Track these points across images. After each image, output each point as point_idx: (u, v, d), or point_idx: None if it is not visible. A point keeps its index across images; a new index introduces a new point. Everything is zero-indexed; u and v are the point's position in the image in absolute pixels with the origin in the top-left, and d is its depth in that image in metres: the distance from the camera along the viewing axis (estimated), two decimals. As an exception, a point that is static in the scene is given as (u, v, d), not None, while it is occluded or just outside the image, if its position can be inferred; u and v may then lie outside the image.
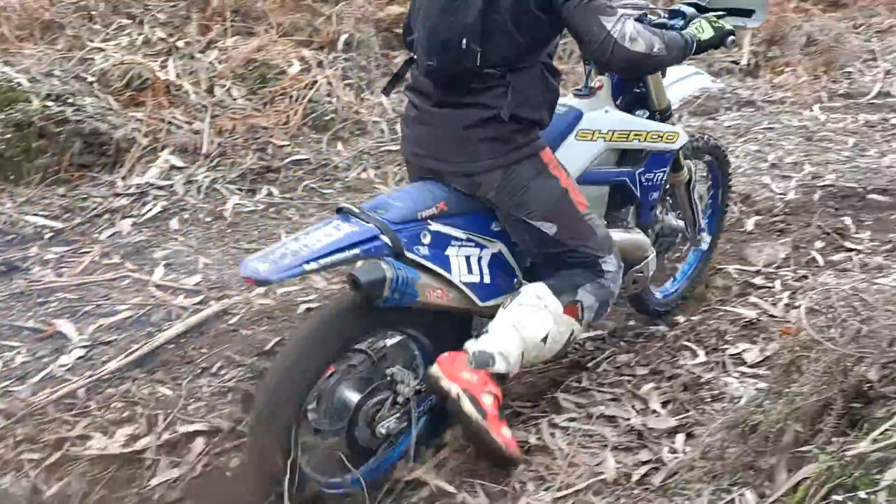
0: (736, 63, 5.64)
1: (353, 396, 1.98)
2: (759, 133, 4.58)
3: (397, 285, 1.86)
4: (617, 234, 2.36)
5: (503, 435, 1.98)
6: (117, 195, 3.73)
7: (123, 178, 3.82)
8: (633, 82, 2.47)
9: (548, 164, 2.10)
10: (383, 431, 2.01)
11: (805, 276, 2.95)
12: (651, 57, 1.97)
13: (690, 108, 4.89)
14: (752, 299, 2.80)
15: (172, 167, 3.92)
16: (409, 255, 1.93)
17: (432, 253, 1.99)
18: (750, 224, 3.45)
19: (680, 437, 2.06)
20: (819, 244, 3.20)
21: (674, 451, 2.02)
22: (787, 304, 2.73)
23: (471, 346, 2.01)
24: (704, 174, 3.05)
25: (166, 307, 2.97)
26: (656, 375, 2.41)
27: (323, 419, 1.99)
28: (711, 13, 2.37)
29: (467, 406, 1.92)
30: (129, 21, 4.67)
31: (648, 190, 2.50)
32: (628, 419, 2.20)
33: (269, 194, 3.91)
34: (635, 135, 2.39)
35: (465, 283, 2.05)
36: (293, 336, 2.03)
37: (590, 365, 2.61)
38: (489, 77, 1.98)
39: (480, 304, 2.10)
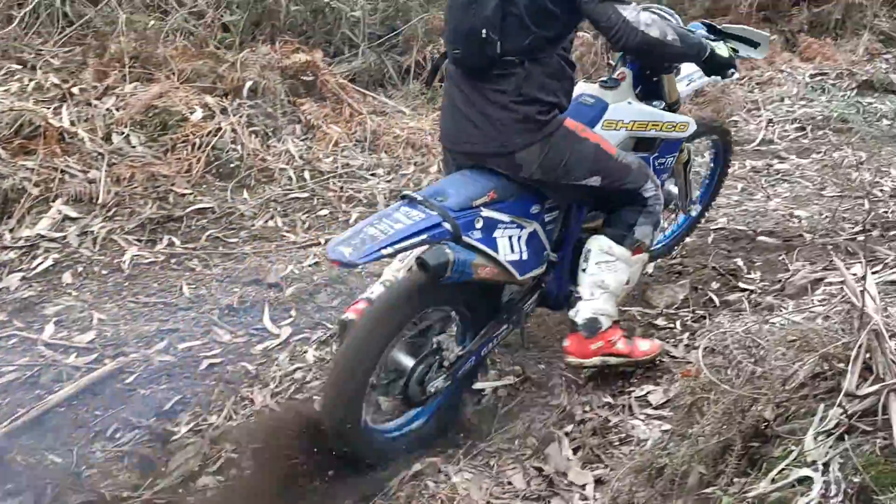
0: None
1: (408, 361, 2.29)
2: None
3: (457, 266, 2.18)
4: None
5: (645, 351, 2.58)
6: (5, 248, 3.52)
7: (11, 231, 3.61)
8: (651, 75, 2.73)
9: (575, 130, 2.37)
10: (432, 390, 2.32)
11: (703, 317, 3.07)
12: (665, 44, 2.25)
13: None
14: (655, 341, 2.88)
15: (66, 218, 3.74)
16: (465, 238, 2.23)
17: (484, 236, 2.30)
18: (650, 267, 3.57)
19: (590, 484, 2.08)
20: (715, 285, 3.33)
21: (584, 497, 2.03)
22: (687, 345, 2.82)
23: (575, 317, 2.47)
24: (713, 151, 3.43)
25: (57, 367, 2.80)
26: (565, 420, 2.43)
27: (380, 378, 2.28)
28: (729, 40, 2.70)
29: (614, 361, 2.50)
30: (20, 67, 4.46)
31: (660, 172, 2.82)
32: (540, 466, 2.21)
33: (171, 244, 3.78)
34: (653, 125, 2.69)
35: (508, 262, 2.38)
36: (369, 310, 2.27)
37: (502, 412, 2.61)
38: (509, 64, 2.22)
39: (519, 277, 2.44)
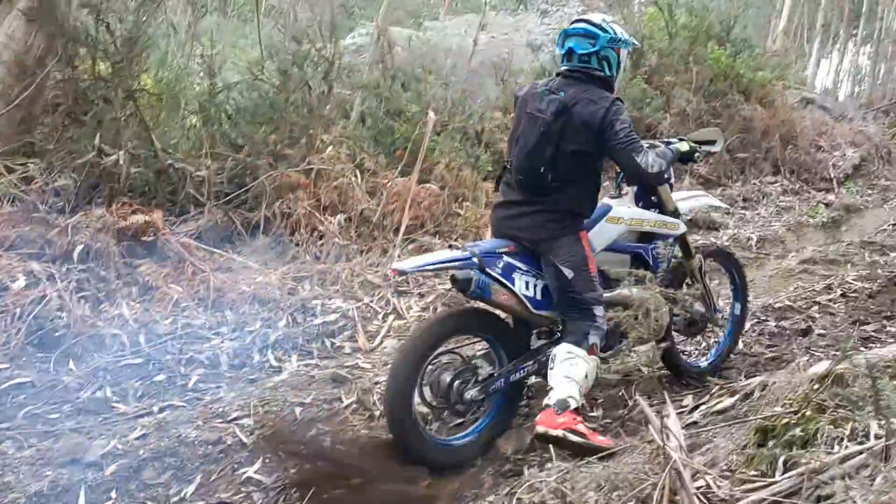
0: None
1: (448, 378, 3.14)
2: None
3: (479, 284, 3.11)
4: (639, 292, 3.34)
5: (600, 441, 2.98)
6: None
7: None
8: (649, 194, 3.64)
9: (581, 238, 3.28)
10: (468, 397, 3.17)
11: (550, 460, 3.04)
12: (661, 174, 3.19)
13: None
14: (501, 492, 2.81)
15: None
16: (488, 270, 3.15)
17: (503, 272, 3.20)
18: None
19: None
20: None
21: None
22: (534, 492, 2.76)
23: (550, 400, 3.04)
24: (727, 272, 4.14)
25: None
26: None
27: (434, 399, 3.18)
28: (691, 142, 3.57)
29: (573, 438, 2.93)
30: None
31: (658, 261, 3.60)
32: None
33: (-21, 427, 3.41)
34: (647, 223, 3.58)
35: (523, 295, 3.24)
36: (413, 331, 3.32)
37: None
38: (555, 188, 3.20)
39: (533, 311, 3.28)
